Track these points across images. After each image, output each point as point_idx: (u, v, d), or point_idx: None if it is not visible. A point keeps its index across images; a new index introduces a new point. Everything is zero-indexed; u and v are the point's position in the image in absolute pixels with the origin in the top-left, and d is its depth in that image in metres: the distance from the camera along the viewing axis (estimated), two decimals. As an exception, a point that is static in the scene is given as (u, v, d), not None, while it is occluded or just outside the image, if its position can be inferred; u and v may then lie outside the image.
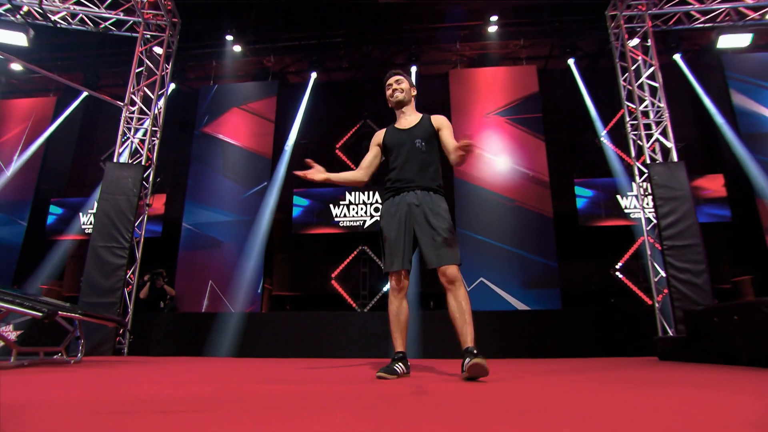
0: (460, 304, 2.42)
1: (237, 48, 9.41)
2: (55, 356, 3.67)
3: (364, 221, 8.98)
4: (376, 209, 8.95)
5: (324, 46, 9.56)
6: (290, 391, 1.71)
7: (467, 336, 2.35)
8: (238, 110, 9.42)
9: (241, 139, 9.17)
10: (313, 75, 9.69)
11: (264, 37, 9.45)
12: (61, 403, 1.31)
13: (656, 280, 5.86)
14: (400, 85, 2.88)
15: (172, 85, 9.71)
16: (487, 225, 8.07)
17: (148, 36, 6.65)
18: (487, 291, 7.78)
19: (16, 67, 9.58)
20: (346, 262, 9.19)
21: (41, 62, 8.78)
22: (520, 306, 7.58)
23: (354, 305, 8.83)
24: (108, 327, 4.74)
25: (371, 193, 9.11)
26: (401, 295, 2.61)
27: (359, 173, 2.86)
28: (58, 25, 6.67)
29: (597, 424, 0.98)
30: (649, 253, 5.97)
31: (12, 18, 6.19)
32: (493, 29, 8.78)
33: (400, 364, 2.50)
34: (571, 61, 8.85)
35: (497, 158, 8.41)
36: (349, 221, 9.00)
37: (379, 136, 2.91)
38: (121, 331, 5.25)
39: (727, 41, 7.14)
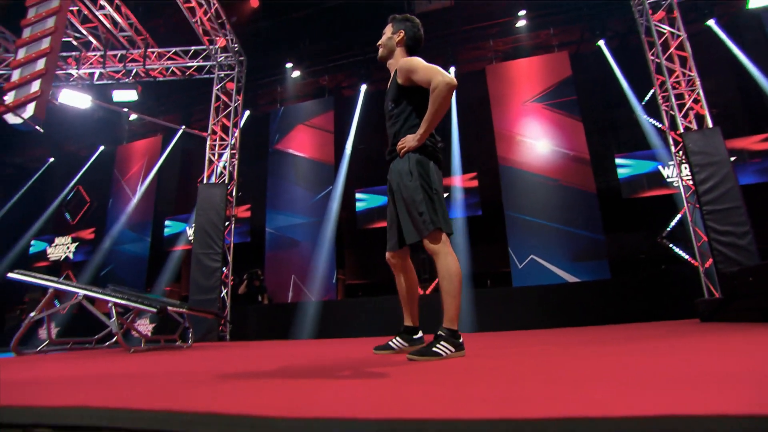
0: (441, 280, 2.00)
1: (296, 73, 10.05)
2: (176, 343, 4.37)
3: (420, 212, 9.23)
4: (429, 201, 9.16)
5: (370, 61, 9.91)
6: (314, 365, 2.08)
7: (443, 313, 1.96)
8: (303, 126, 10.05)
9: (307, 151, 9.80)
10: (363, 87, 10.08)
11: (318, 60, 10.00)
12: (160, 373, 1.78)
13: (699, 245, 5.58)
14: (382, 39, 2.32)
15: (248, 112, 10.60)
16: (534, 205, 8.02)
17: (222, 75, 7.38)
18: (539, 267, 7.74)
19: (132, 116, 10.95)
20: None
21: (149, 110, 10.00)
22: (571, 279, 7.48)
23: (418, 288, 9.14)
24: (210, 318, 5.45)
25: (423, 186, 9.34)
26: (397, 271, 2.35)
27: None
28: (157, 79, 7.60)
29: (564, 383, 0.99)
30: (690, 219, 5.68)
31: (126, 80, 7.19)
32: (522, 23, 8.61)
33: (397, 338, 2.34)
34: (601, 43, 8.46)
35: (537, 142, 8.30)
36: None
37: None
38: (222, 322, 5.99)
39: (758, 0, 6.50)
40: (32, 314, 3.07)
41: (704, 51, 6.12)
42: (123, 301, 3.11)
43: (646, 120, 8.15)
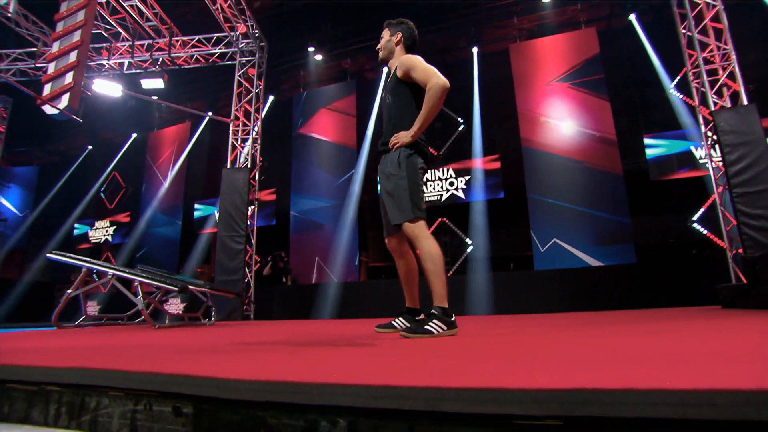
0: (424, 262, 2.11)
1: (318, 57, 10.11)
2: (200, 321, 4.64)
3: (441, 195, 9.23)
4: (451, 183, 9.14)
5: (394, 42, 9.82)
6: (323, 338, 2.20)
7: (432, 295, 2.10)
8: (325, 110, 10.14)
9: (329, 135, 9.90)
10: (385, 69, 10.02)
11: (340, 43, 10.00)
12: (168, 345, 1.93)
13: (728, 229, 5.38)
14: (381, 42, 2.50)
15: (271, 97, 10.77)
16: (557, 188, 7.87)
17: (243, 61, 7.52)
18: (562, 251, 7.64)
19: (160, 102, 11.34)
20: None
21: (176, 97, 10.33)
22: (594, 263, 7.35)
23: (438, 271, 9.21)
24: (232, 298, 5.70)
25: (446, 169, 9.31)
26: (396, 255, 2.45)
27: None
28: (182, 67, 7.84)
29: (544, 359, 1.08)
30: (718, 202, 5.47)
31: (153, 68, 7.46)
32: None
33: (400, 318, 2.43)
34: (632, 17, 8.07)
35: (562, 123, 8.09)
36: (428, 197, 9.32)
37: None
38: (245, 301, 6.26)
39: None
40: (68, 291, 3.35)
41: (743, 22, 5.76)
42: (147, 280, 3.34)
43: (678, 98, 7.79)
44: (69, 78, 5.07)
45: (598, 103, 7.89)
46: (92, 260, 3.52)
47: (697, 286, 5.46)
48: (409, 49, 2.46)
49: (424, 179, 2.26)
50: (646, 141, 7.91)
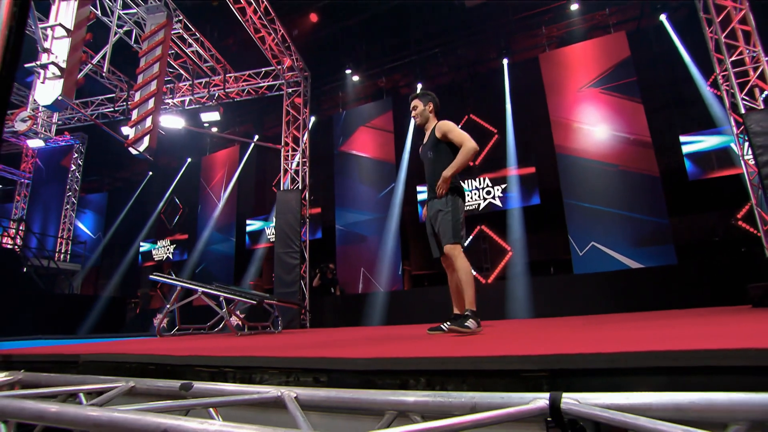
0: (461, 275, 2.75)
1: (355, 77, 10.80)
2: (266, 329, 5.31)
3: (479, 204, 9.64)
4: (488, 192, 9.53)
5: (425, 59, 10.40)
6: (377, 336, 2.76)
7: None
8: (364, 128, 10.80)
9: (369, 151, 10.54)
10: (419, 85, 10.58)
11: (374, 63, 10.67)
12: (279, 345, 2.54)
13: (765, 228, 5.51)
14: (415, 111, 3.14)
15: (313, 118, 11.56)
16: (593, 192, 8.10)
17: (290, 91, 8.29)
18: (600, 254, 7.85)
19: (213, 129, 12.41)
20: (468, 241, 9.99)
21: (226, 122, 11.33)
22: (634, 265, 7.52)
23: (480, 277, 9.60)
24: (294, 308, 6.38)
25: (482, 178, 9.71)
26: (449, 270, 2.97)
27: None
28: (235, 99, 8.72)
29: (543, 343, 1.67)
30: (754, 202, 5.61)
31: (209, 103, 8.40)
32: (575, 6, 8.61)
33: (447, 322, 2.81)
34: (663, 17, 8.22)
35: (595, 128, 8.33)
36: (466, 207, 9.69)
37: None
38: (302, 311, 6.94)
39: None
40: (167, 306, 4.09)
41: (775, 21, 5.88)
42: (230, 295, 4.02)
43: (714, 96, 7.85)
44: (148, 122, 5.96)
45: (631, 106, 8.09)
46: (185, 280, 4.25)
47: (742, 286, 5.55)
48: (437, 114, 3.17)
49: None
50: (683, 140, 8.00)
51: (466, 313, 2.65)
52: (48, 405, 1.08)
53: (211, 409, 1.34)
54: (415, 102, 3.15)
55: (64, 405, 1.06)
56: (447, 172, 2.83)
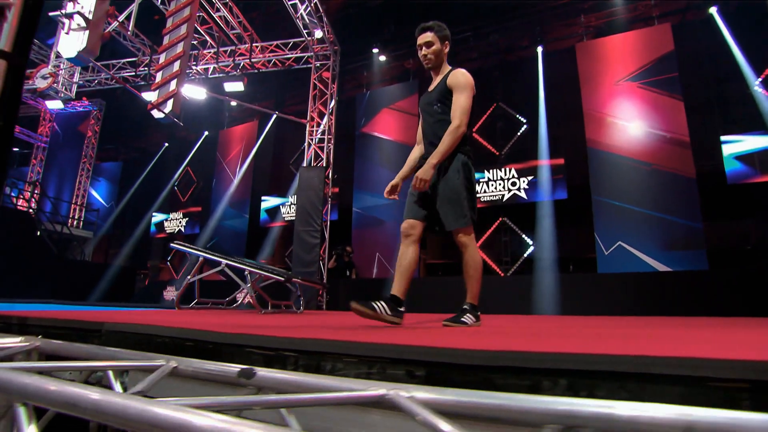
0: (468, 268, 2.31)
1: (382, 58, 10.39)
2: (289, 308, 5.05)
3: (503, 195, 9.28)
4: (513, 183, 9.17)
5: (454, 42, 9.83)
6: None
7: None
8: (388, 110, 10.41)
9: (392, 134, 10.17)
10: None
11: (402, 44, 10.24)
12: (316, 324, 2.25)
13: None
14: (429, 49, 2.41)
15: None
16: (624, 190, 7.73)
17: (318, 65, 7.92)
18: (627, 255, 7.50)
19: (232, 103, 12.07)
20: (489, 233, 9.66)
21: (247, 95, 10.95)
22: (662, 268, 7.18)
23: (498, 270, 9.29)
24: (313, 288, 6.12)
25: (507, 169, 9.34)
26: (413, 241, 2.39)
27: (415, 150, 2.63)
28: (261, 70, 8.37)
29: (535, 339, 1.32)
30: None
31: (234, 72, 8.05)
32: (619, -5, 8.15)
33: (381, 303, 2.22)
34: (713, 9, 7.73)
35: (630, 124, 7.92)
36: (489, 196, 9.39)
37: None
38: (320, 292, 6.67)
39: None
40: (188, 277, 3.82)
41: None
42: (256, 270, 3.74)
43: (763, 95, 7.39)
44: (173, 86, 5.63)
45: (671, 103, 7.65)
46: (209, 251, 3.97)
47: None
48: (448, 57, 2.49)
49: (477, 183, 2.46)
50: (724, 139, 7.56)
51: (465, 306, 2.28)
52: (84, 390, 0.79)
53: (282, 409, 1.03)
54: (430, 37, 2.37)
55: (107, 393, 0.77)
56: (433, 159, 2.24)
